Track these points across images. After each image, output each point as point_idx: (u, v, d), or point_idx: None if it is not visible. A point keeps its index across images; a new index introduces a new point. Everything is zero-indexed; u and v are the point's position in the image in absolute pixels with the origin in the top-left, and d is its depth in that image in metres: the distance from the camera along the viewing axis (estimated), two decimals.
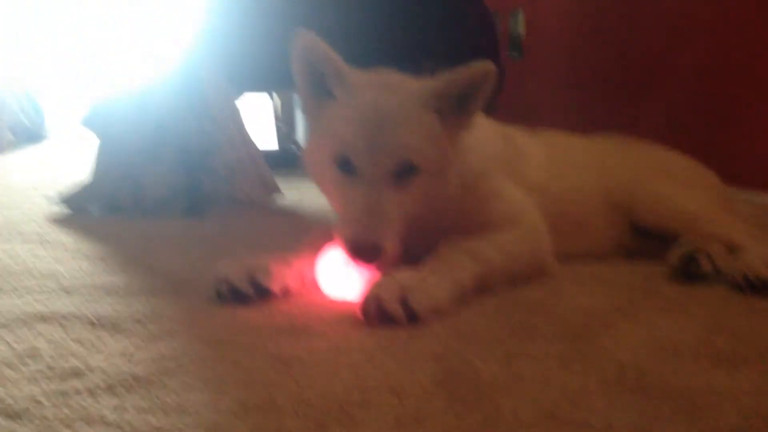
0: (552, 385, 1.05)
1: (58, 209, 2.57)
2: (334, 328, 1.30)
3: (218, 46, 2.89)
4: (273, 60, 3.48)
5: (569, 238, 1.84)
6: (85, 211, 2.56)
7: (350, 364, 1.12)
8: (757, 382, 1.08)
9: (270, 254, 1.53)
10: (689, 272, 1.72)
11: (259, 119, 6.55)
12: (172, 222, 2.43)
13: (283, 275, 1.48)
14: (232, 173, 2.82)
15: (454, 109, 1.57)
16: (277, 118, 6.13)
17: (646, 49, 3.67)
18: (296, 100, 6.28)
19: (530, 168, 1.91)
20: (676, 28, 3.44)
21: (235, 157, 2.79)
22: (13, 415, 0.91)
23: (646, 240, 1.97)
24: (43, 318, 1.30)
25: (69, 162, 4.54)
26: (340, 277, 1.47)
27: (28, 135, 6.27)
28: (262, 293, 1.43)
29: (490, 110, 1.79)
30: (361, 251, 1.42)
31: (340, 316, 1.36)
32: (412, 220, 1.53)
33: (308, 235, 1.68)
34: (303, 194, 3.23)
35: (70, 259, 1.80)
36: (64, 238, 2.07)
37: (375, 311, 1.30)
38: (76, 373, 1.05)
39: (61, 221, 2.37)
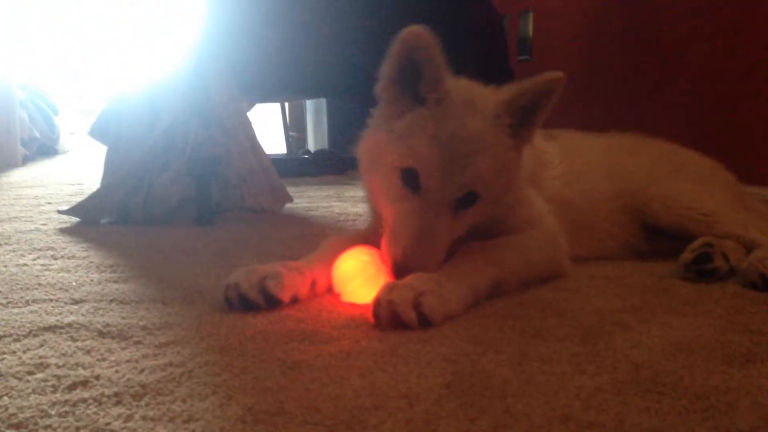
0: (565, 387, 1.04)
1: (69, 220, 2.58)
2: (343, 332, 1.29)
3: (230, 57, 2.89)
4: (285, 71, 3.50)
5: (581, 243, 1.83)
6: (95, 221, 2.56)
7: (360, 369, 1.11)
8: None
9: (280, 262, 1.52)
10: (703, 270, 1.69)
11: (270, 127, 6.57)
12: (182, 231, 2.43)
13: (293, 283, 1.46)
14: (242, 183, 2.83)
15: (522, 120, 1.54)
16: (287, 126, 6.14)
17: (658, 48, 3.65)
18: (306, 107, 6.31)
19: (547, 179, 1.89)
20: (687, 26, 3.42)
21: (245, 166, 2.80)
22: (20, 426, 0.90)
23: (659, 240, 1.95)
24: (52, 328, 1.30)
25: (81, 173, 4.57)
26: (359, 284, 1.46)
27: (41, 149, 6.33)
28: (271, 302, 1.42)
29: None
30: (406, 273, 1.40)
31: (349, 321, 1.35)
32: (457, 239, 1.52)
33: (319, 242, 1.67)
34: (313, 202, 3.23)
35: (80, 269, 1.80)
36: (74, 248, 2.07)
37: (387, 315, 1.29)
38: (84, 383, 1.04)
39: (72, 232, 2.38)
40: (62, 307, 1.45)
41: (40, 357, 1.15)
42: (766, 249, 1.69)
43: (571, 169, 1.95)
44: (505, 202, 1.61)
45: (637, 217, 1.97)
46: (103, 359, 1.15)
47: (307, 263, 1.54)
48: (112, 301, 1.50)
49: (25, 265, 1.85)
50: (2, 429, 0.90)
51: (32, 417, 0.92)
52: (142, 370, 1.09)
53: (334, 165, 4.53)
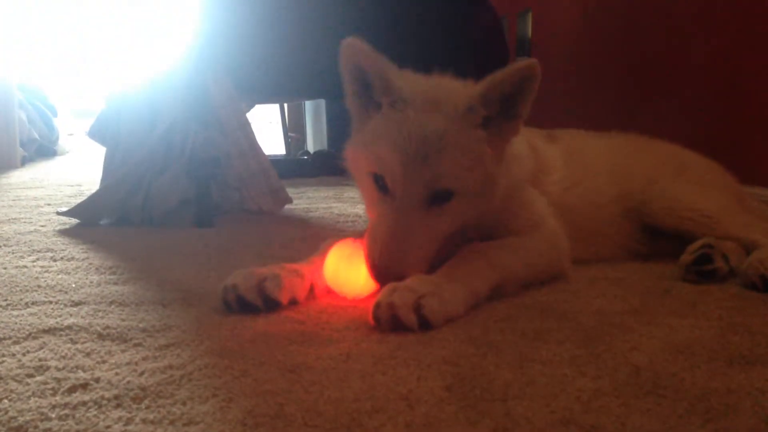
0: (565, 390, 1.03)
1: (68, 221, 2.57)
2: (343, 335, 1.29)
3: (229, 58, 2.89)
4: (284, 72, 3.50)
5: (582, 245, 1.83)
6: (94, 223, 2.56)
7: (361, 371, 1.11)
8: None
9: (279, 264, 1.51)
10: (703, 271, 1.69)
11: (269, 128, 6.57)
12: (182, 232, 2.42)
13: (292, 285, 1.46)
14: (242, 184, 2.83)
15: (502, 114, 1.52)
16: (286, 127, 6.14)
17: (658, 48, 3.65)
18: (305, 108, 6.31)
19: (549, 184, 1.88)
20: (687, 26, 3.42)
21: (244, 168, 2.80)
22: (20, 429, 0.90)
23: (659, 241, 1.95)
24: (51, 330, 1.30)
25: (80, 175, 4.56)
26: (349, 274, 1.47)
27: (40, 150, 6.33)
28: (270, 304, 1.42)
29: None
30: (383, 277, 1.40)
31: (349, 323, 1.35)
32: (445, 238, 1.51)
33: (318, 243, 1.66)
34: (313, 203, 3.23)
35: (79, 271, 1.79)
36: (74, 250, 2.07)
37: (387, 318, 1.29)
38: (83, 386, 1.04)
39: (71, 233, 2.38)
40: (62, 309, 1.45)
41: (40, 359, 1.15)
42: (766, 250, 1.69)
43: (573, 173, 1.95)
44: (502, 201, 1.60)
45: (638, 218, 1.97)
46: (103, 362, 1.14)
47: (306, 265, 1.54)
48: (111, 303, 1.50)
49: (25, 266, 1.85)
50: None
51: (32, 420, 0.92)
52: (142, 373, 1.09)
53: (332, 166, 4.53)
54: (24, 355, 1.17)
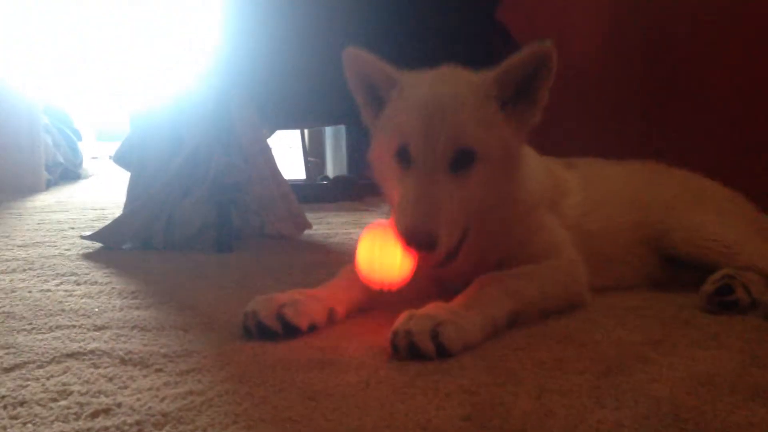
0: (585, 421, 1.03)
1: (92, 245, 2.60)
2: (363, 361, 1.29)
3: (252, 86, 2.92)
4: (306, 99, 3.53)
5: (599, 272, 1.82)
6: (117, 247, 2.59)
7: (380, 399, 1.11)
8: None
9: (299, 290, 1.52)
10: (725, 302, 1.68)
11: (289, 153, 6.61)
12: (202, 257, 2.45)
13: (311, 311, 1.47)
14: (262, 209, 2.85)
15: (519, 98, 1.56)
16: (306, 151, 6.18)
17: (678, 77, 3.64)
18: (325, 133, 6.34)
19: (566, 208, 1.89)
20: (709, 54, 3.42)
21: (265, 193, 2.82)
22: None
23: (678, 270, 1.94)
24: (74, 355, 1.31)
25: (104, 199, 4.61)
26: (383, 258, 1.45)
27: (64, 174, 6.41)
28: (289, 330, 1.42)
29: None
30: (415, 239, 1.40)
31: (369, 350, 1.35)
32: (472, 212, 1.52)
33: (337, 270, 1.67)
34: (332, 228, 3.25)
35: (102, 295, 1.82)
36: (97, 274, 2.10)
37: (405, 346, 1.29)
38: (106, 411, 1.05)
39: (94, 257, 2.41)
40: (85, 333, 1.47)
41: (63, 384, 1.16)
42: None
43: (591, 198, 1.95)
44: (520, 222, 1.66)
45: (657, 247, 1.96)
46: (125, 387, 1.16)
47: (326, 291, 1.55)
48: (133, 327, 1.52)
49: (49, 290, 1.87)
50: None
51: None
52: (163, 399, 1.10)
53: (352, 191, 4.55)
54: (48, 379, 1.19)
